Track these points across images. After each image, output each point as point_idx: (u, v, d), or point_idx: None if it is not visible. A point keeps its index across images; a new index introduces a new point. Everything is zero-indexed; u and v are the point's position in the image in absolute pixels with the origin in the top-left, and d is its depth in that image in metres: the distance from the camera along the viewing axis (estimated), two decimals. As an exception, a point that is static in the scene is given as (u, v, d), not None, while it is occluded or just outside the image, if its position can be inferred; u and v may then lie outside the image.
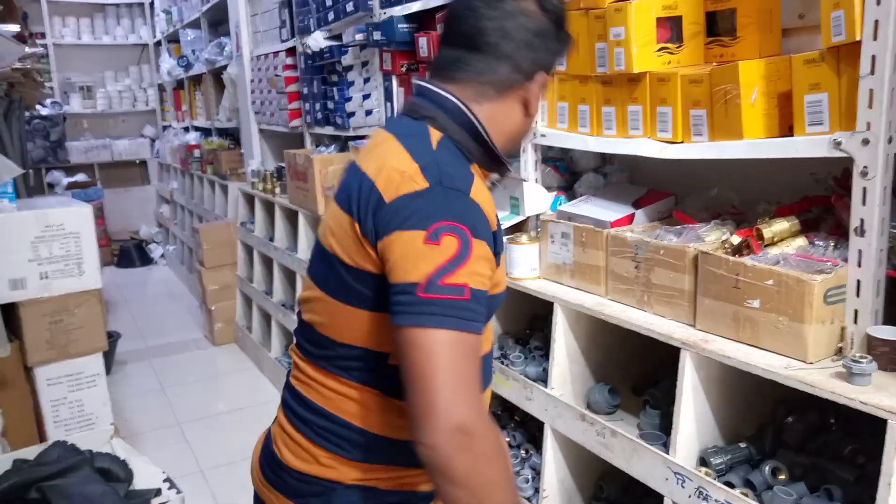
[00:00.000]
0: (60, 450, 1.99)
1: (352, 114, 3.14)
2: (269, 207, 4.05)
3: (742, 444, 1.45)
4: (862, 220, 1.22)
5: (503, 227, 2.02)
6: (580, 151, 2.11)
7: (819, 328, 1.26)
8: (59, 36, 7.21)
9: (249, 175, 4.39)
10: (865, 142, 1.18)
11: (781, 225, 1.41)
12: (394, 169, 0.98)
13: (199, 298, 4.82)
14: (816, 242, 1.38)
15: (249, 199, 4.40)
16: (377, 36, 2.66)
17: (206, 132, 5.95)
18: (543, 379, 1.86)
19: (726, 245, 1.43)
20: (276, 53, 3.94)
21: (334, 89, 3.30)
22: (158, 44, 7.31)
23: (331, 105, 3.34)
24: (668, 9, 1.60)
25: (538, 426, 1.92)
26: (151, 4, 7.39)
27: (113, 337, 4.13)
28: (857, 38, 1.17)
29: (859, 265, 1.24)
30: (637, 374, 1.88)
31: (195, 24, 5.78)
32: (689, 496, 1.39)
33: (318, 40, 3.29)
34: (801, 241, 1.40)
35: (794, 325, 1.27)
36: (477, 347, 0.93)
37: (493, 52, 1.05)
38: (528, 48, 1.06)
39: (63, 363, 2.46)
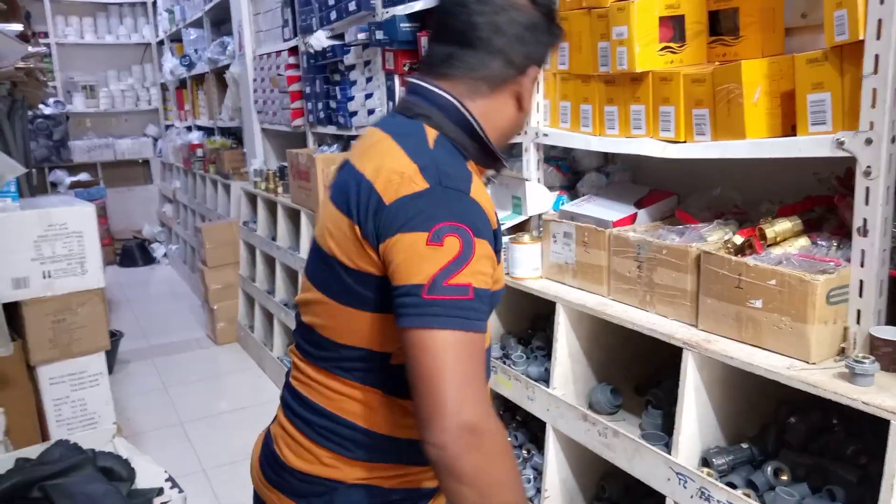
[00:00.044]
0: (63, 449, 1.99)
1: (354, 113, 3.14)
2: (271, 207, 4.05)
3: (744, 445, 1.45)
4: (865, 220, 1.22)
5: (506, 226, 2.02)
6: (583, 151, 2.10)
7: (822, 328, 1.26)
8: (62, 35, 7.22)
9: (252, 174, 4.39)
10: (868, 141, 1.18)
11: (784, 225, 1.40)
12: (392, 170, 0.97)
13: (202, 298, 4.83)
14: (819, 242, 1.37)
15: (252, 199, 4.40)
16: (379, 35, 2.66)
17: (208, 131, 5.96)
18: (545, 379, 1.86)
19: (729, 245, 1.43)
20: (278, 53, 3.94)
21: (337, 88, 3.30)
22: (161, 43, 7.31)
23: (333, 104, 3.34)
24: (670, 8, 1.60)
25: (540, 426, 1.91)
26: (154, 4, 7.39)
27: (115, 336, 4.15)
28: (861, 38, 1.16)
29: (862, 265, 1.24)
30: (639, 374, 1.88)
31: (198, 24, 5.78)
32: (691, 497, 1.38)
33: (320, 39, 3.29)
34: (803, 241, 1.40)
35: (797, 326, 1.27)
36: (482, 345, 0.93)
37: (485, 48, 1.05)
38: (519, 42, 1.06)
39: (66, 362, 2.46)
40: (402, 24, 2.53)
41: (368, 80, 3.02)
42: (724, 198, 1.70)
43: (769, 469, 1.35)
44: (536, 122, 1.97)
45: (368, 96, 3.00)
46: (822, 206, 1.48)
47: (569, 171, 2.15)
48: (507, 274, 1.97)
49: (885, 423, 1.08)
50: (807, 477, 1.33)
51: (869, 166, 1.19)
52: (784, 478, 1.35)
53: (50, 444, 2.06)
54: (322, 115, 3.47)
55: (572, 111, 1.87)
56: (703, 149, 1.50)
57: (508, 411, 2.17)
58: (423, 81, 1.09)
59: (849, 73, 1.22)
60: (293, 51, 3.79)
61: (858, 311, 1.26)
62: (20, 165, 2.23)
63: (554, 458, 1.85)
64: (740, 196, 1.68)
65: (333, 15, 3.15)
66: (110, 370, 3.26)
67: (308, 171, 3.21)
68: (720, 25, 1.63)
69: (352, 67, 3.15)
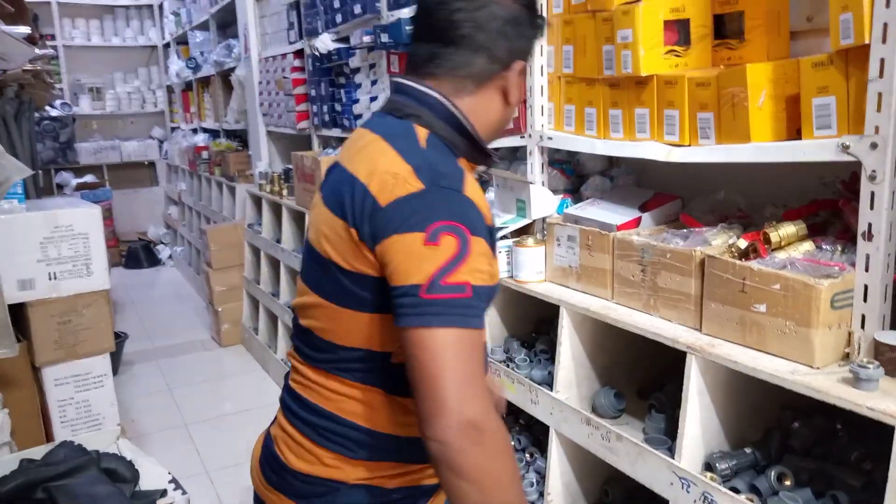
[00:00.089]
0: (67, 450, 2.00)
1: (359, 116, 3.15)
2: (276, 209, 4.06)
3: (748, 450, 1.44)
4: (870, 225, 1.21)
5: (510, 229, 2.02)
6: (587, 154, 2.10)
7: (826, 333, 1.25)
8: (69, 37, 7.27)
9: (257, 177, 4.40)
10: (874, 146, 1.17)
11: (788, 229, 1.40)
12: (386, 172, 0.98)
13: (206, 300, 4.84)
14: (824, 246, 1.37)
15: (257, 201, 4.41)
16: (385, 38, 2.66)
17: (214, 134, 5.98)
18: (549, 382, 1.86)
19: (733, 249, 1.43)
20: (284, 55, 3.95)
21: (342, 91, 3.31)
22: (167, 45, 7.34)
23: (338, 107, 3.35)
24: (675, 11, 1.60)
25: (543, 430, 1.91)
26: (160, 6, 7.43)
27: (120, 338, 4.16)
28: (866, 41, 1.16)
29: (867, 270, 1.23)
30: (643, 377, 1.88)
31: (204, 26, 5.80)
32: (695, 501, 1.38)
33: (325, 42, 3.30)
34: (808, 246, 1.39)
35: (801, 330, 1.27)
36: (480, 342, 0.94)
37: (468, 45, 1.05)
38: (502, 37, 1.05)
39: (70, 363, 2.47)
40: (407, 27, 2.54)
41: (373, 82, 3.02)
42: (728, 201, 1.69)
43: (772, 474, 1.35)
44: (541, 125, 1.97)
45: (373, 99, 3.01)
46: (826, 211, 1.48)
47: (573, 174, 2.15)
48: (511, 277, 1.97)
49: (889, 429, 1.08)
50: (810, 482, 1.33)
51: (874, 170, 1.18)
52: (787, 483, 1.34)
53: (54, 445, 2.07)
54: (327, 117, 3.48)
55: (577, 114, 1.87)
56: (708, 152, 1.50)
57: (512, 415, 2.17)
58: (409, 81, 1.09)
59: (854, 76, 1.22)
60: (299, 53, 3.80)
61: (863, 316, 1.25)
62: (27, 167, 2.24)
63: (557, 462, 1.84)
64: (744, 200, 1.68)
65: (339, 18, 3.16)
66: (115, 371, 3.27)
67: (313, 174, 3.21)
68: (725, 29, 1.63)
69: (357, 70, 3.16)
